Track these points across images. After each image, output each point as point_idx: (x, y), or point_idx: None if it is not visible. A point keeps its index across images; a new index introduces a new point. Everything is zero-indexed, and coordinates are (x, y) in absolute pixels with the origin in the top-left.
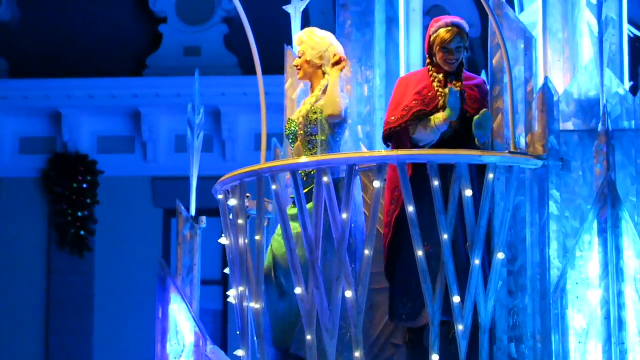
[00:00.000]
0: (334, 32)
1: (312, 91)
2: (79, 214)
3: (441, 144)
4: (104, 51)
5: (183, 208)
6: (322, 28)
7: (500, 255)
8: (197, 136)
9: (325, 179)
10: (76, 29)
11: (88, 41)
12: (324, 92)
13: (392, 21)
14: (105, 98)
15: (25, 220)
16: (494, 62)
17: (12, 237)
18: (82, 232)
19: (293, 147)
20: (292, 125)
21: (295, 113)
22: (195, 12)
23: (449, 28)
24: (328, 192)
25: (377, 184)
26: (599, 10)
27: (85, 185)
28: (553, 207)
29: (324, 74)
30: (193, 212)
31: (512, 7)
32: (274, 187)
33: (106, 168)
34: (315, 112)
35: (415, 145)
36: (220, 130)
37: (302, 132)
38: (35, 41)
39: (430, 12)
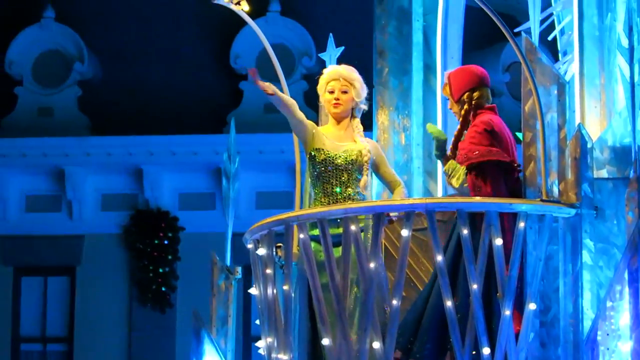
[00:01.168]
0: (370, 80)
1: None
2: (160, 270)
3: None
4: (185, 108)
5: (218, 258)
6: None
7: (532, 306)
8: (233, 187)
9: (352, 227)
10: (158, 86)
11: (169, 98)
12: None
13: (429, 68)
14: (186, 155)
15: (107, 276)
16: (526, 108)
17: (94, 293)
18: (163, 288)
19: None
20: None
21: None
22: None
23: None
24: (356, 241)
25: (405, 232)
26: (630, 54)
27: (166, 242)
28: (586, 257)
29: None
30: (228, 261)
31: (554, 53)
32: (301, 235)
33: (187, 224)
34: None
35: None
36: None
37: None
38: (117, 98)
39: None
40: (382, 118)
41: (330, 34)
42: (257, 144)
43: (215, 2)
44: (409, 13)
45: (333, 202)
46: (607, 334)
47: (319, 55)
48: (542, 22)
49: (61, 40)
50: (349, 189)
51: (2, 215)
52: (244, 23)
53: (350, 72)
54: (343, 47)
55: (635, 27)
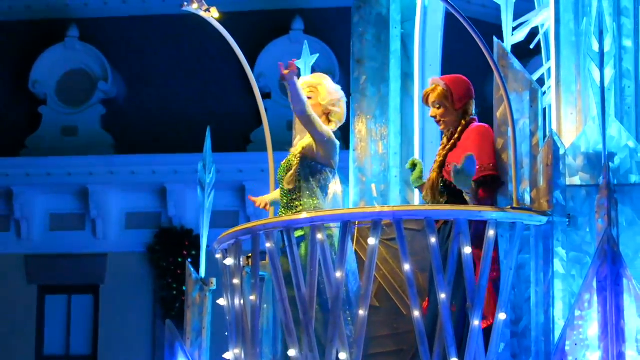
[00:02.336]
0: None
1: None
2: (184, 287)
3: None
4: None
5: (193, 270)
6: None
7: (502, 316)
8: (208, 195)
9: (319, 236)
10: (181, 104)
11: (193, 116)
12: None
13: (407, 76)
14: None
15: (131, 294)
16: (498, 114)
17: (118, 311)
18: None
19: None
20: None
21: None
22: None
23: None
24: (322, 250)
25: (371, 241)
26: (600, 59)
27: (190, 260)
28: (558, 265)
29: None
30: (203, 273)
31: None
32: (268, 244)
33: (211, 242)
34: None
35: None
36: None
37: None
38: (141, 117)
39: None
40: (359, 126)
41: (305, 41)
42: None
43: (184, 9)
44: (387, 20)
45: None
46: (576, 344)
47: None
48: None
49: (85, 59)
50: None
51: (26, 234)
52: (266, 43)
53: (312, 77)
54: (318, 54)
55: (605, 30)
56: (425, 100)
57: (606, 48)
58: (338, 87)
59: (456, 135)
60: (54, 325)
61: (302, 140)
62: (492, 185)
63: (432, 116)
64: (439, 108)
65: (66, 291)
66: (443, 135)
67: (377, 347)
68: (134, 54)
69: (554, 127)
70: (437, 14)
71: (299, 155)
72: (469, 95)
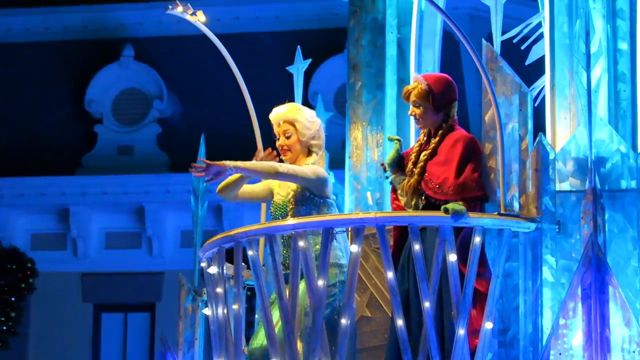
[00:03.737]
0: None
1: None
2: None
3: None
4: (264, 144)
5: (186, 280)
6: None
7: (489, 325)
8: (202, 205)
9: (301, 243)
10: (236, 122)
11: (248, 135)
12: None
13: (403, 82)
14: None
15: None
16: (486, 118)
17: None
18: None
19: None
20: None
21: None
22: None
23: None
24: (304, 258)
25: (354, 248)
26: (587, 60)
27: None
28: (547, 273)
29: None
30: (196, 283)
31: None
32: (250, 252)
33: None
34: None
35: None
36: None
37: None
38: (196, 135)
39: None
40: (355, 134)
41: (298, 46)
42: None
43: (169, 12)
44: (383, 25)
45: None
46: (560, 354)
47: (287, 68)
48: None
49: (140, 79)
50: None
51: (82, 253)
52: (322, 60)
53: (287, 112)
54: (310, 60)
55: (592, 31)
56: (406, 97)
57: (593, 49)
58: (313, 114)
59: (437, 139)
60: (110, 344)
61: (288, 187)
62: (477, 203)
63: (410, 115)
64: (418, 107)
65: (122, 309)
66: (420, 132)
67: (369, 357)
68: (189, 72)
69: (548, 131)
70: (433, 18)
71: (292, 200)
72: (450, 97)
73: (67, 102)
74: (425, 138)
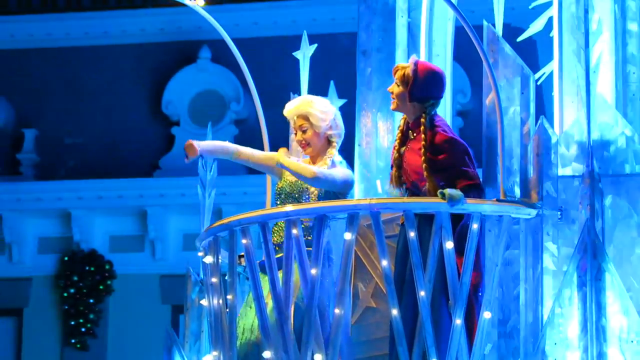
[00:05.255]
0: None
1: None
2: None
3: None
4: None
5: (192, 272)
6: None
7: (487, 315)
8: (209, 194)
9: (294, 231)
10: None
11: None
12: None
13: None
14: None
15: None
16: (487, 102)
17: None
18: None
19: None
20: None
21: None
22: None
23: None
24: (298, 246)
25: (347, 235)
26: (585, 39)
27: None
28: (549, 261)
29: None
30: (202, 275)
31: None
32: (244, 241)
33: None
34: None
35: None
36: None
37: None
38: (273, 137)
39: None
40: (364, 120)
41: (305, 31)
42: None
43: None
44: (393, 9)
45: None
46: (556, 343)
47: (293, 54)
48: None
49: (217, 80)
50: None
51: (160, 255)
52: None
53: (299, 106)
54: (316, 45)
55: (591, 9)
56: (394, 72)
57: (592, 27)
58: (326, 103)
59: (416, 135)
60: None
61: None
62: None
63: (388, 91)
64: (398, 86)
65: None
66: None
67: (374, 349)
68: (265, 74)
69: (556, 116)
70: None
71: (315, 198)
72: (429, 93)
73: (145, 105)
74: (405, 128)
